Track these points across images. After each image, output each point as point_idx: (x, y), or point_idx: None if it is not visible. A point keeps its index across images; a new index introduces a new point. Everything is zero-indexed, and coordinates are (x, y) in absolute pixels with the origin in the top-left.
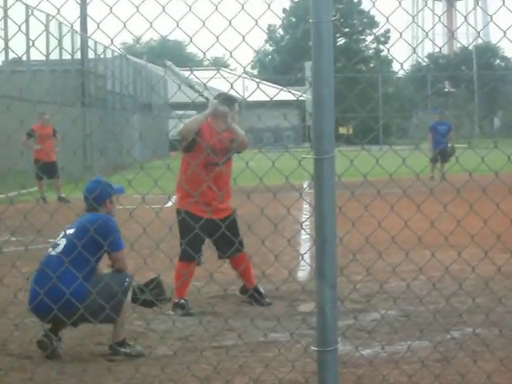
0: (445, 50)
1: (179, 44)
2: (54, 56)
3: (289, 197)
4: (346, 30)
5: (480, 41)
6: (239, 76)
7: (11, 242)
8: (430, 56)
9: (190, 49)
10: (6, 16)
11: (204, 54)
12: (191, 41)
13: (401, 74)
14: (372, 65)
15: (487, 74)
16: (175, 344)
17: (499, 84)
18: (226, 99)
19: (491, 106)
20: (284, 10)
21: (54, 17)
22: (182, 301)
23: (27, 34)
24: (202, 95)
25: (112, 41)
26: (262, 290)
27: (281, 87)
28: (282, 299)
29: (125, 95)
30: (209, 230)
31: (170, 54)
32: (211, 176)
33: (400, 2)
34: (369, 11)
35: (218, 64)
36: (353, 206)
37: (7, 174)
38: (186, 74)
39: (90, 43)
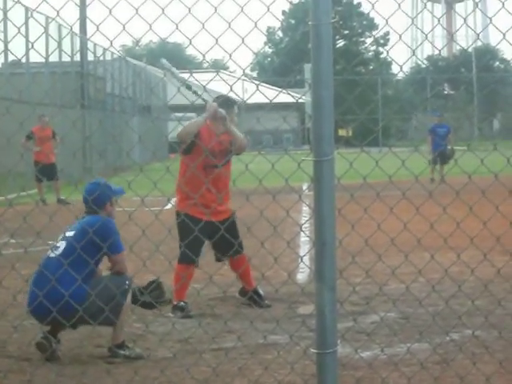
0: (444, 53)
1: (178, 46)
2: (54, 58)
3: (288, 199)
4: (346, 32)
5: (479, 43)
6: (238, 78)
7: (10, 244)
8: (429, 58)
9: (190, 51)
10: (5, 18)
11: (203, 56)
12: (190, 43)
13: (400, 76)
14: (371, 67)
15: (487, 76)
16: (174, 346)
17: (499, 86)
18: (225, 101)
19: (491, 108)
20: (283, 12)
21: (53, 19)
22: (182, 303)
23: (27, 36)
24: (200, 96)
25: (111, 43)
26: (261, 292)
27: (280, 89)
28: (282, 301)
29: (124, 97)
30: (208, 232)
31: (169, 56)
32: (210, 178)
33: (399, 5)
34: (368, 13)
35: (218, 66)
36: (352, 208)
37: (7, 176)
38: (186, 76)
39: (90, 45)
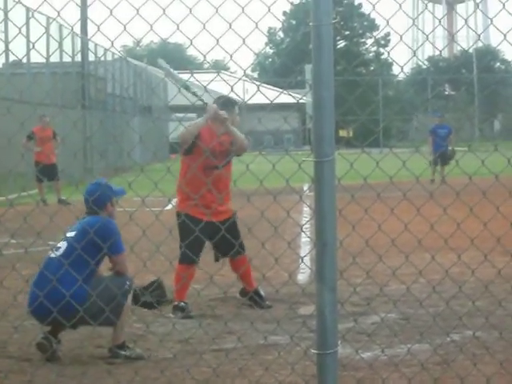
0: (445, 53)
1: (179, 47)
2: (55, 58)
3: (289, 199)
4: (347, 32)
5: (480, 44)
6: (239, 79)
7: (11, 244)
8: (430, 59)
9: (191, 51)
10: (6, 18)
11: (204, 56)
12: (191, 43)
13: (401, 76)
14: (372, 68)
15: (487, 76)
16: (175, 347)
17: (499, 87)
18: (226, 102)
19: (491, 109)
20: (284, 13)
21: (54, 19)
22: (182, 303)
23: (28, 37)
24: (199, 98)
25: (112, 43)
26: (262, 292)
27: (281, 90)
28: (282, 302)
29: (125, 98)
30: (209, 233)
31: (170, 56)
32: (211, 179)
33: (400, 5)
34: (369, 14)
35: (219, 67)
36: (353, 208)
37: (7, 177)
38: (185, 76)
39: (91, 46)
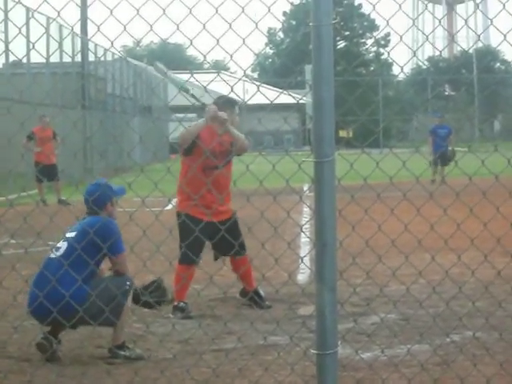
0: (445, 54)
1: (179, 47)
2: (55, 59)
3: (289, 200)
4: (347, 33)
5: (480, 44)
6: (239, 79)
7: (11, 244)
8: (430, 59)
9: (191, 52)
10: (6, 18)
11: (204, 56)
12: (191, 44)
13: (401, 77)
14: (372, 68)
15: (487, 77)
16: (175, 347)
17: (499, 87)
18: (226, 102)
19: (491, 110)
20: (284, 13)
21: (54, 19)
22: (182, 304)
23: (28, 37)
24: (198, 100)
25: (112, 43)
26: (262, 292)
27: (281, 90)
28: (282, 302)
29: (125, 98)
30: (209, 233)
31: (170, 56)
32: (211, 179)
33: (400, 6)
34: (369, 14)
35: (219, 67)
36: (353, 209)
37: (7, 177)
38: (185, 77)
39: (91, 46)
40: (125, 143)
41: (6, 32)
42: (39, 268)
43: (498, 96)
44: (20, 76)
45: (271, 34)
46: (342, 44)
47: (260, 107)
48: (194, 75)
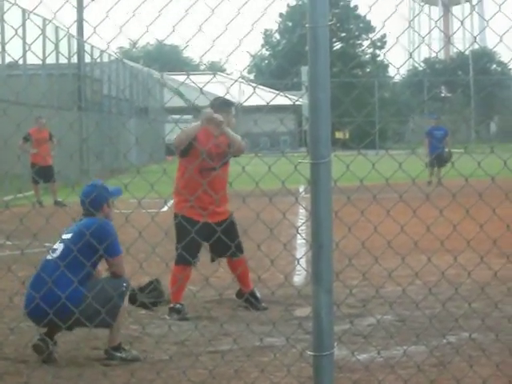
0: (441, 55)
1: (175, 48)
2: (51, 60)
3: (285, 201)
4: (343, 34)
5: (476, 46)
6: (235, 80)
7: (7, 246)
8: (426, 61)
9: (187, 53)
10: (2, 20)
11: (200, 58)
12: (188, 45)
13: (397, 78)
14: (368, 70)
15: (484, 78)
16: (171, 348)
17: (496, 89)
18: (223, 103)
19: (488, 111)
20: (280, 15)
21: (50, 21)
22: (178, 305)
23: (24, 38)
24: (192, 104)
25: (108, 45)
26: (258, 294)
27: (277, 92)
28: (278, 304)
29: (121, 99)
30: (205, 234)
31: (166, 58)
32: (207, 180)
33: (396, 7)
34: (365, 16)
35: (215, 68)
36: (349, 210)
37: (4, 178)
38: (182, 78)
39: (87, 47)
40: (121, 145)
41: (2, 33)
42: (36, 269)
43: (494, 98)
44: (16, 77)
45: (267, 35)
46: (338, 45)
47: (256, 109)
48: (190, 76)
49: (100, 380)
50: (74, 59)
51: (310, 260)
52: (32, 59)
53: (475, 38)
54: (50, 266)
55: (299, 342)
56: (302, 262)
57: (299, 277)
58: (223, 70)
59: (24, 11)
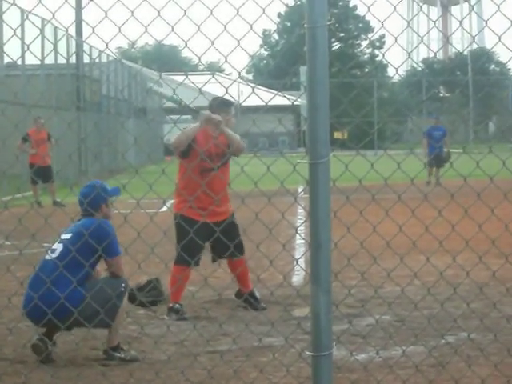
0: (440, 55)
1: (174, 48)
2: (49, 60)
3: (284, 201)
4: (341, 34)
5: (475, 46)
6: (234, 80)
7: (5, 246)
8: (424, 61)
9: (185, 53)
10: (0, 20)
11: (199, 58)
12: (186, 45)
13: (396, 78)
14: (367, 70)
15: (482, 79)
16: (169, 349)
17: (494, 89)
18: (221, 104)
19: (486, 111)
20: (279, 15)
21: (49, 21)
22: (177, 305)
23: (22, 38)
24: (190, 108)
25: (107, 45)
26: (257, 294)
27: (276, 92)
28: (277, 304)
29: (120, 99)
30: (205, 234)
31: (164, 58)
32: (207, 181)
33: (395, 7)
34: (364, 16)
35: (213, 68)
36: (348, 210)
37: (2, 179)
38: (180, 78)
39: (85, 47)
40: (119, 145)
41: (0, 33)
42: (34, 270)
43: (492, 98)
44: (15, 77)
45: (266, 35)
46: (336, 45)
47: (255, 109)
48: (189, 77)
49: (99, 380)
50: (73, 59)
51: (309, 260)
52: (30, 59)
53: (474, 38)
54: (48, 266)
55: (298, 342)
56: (301, 262)
57: (298, 277)
58: (222, 70)
59: (23, 11)
